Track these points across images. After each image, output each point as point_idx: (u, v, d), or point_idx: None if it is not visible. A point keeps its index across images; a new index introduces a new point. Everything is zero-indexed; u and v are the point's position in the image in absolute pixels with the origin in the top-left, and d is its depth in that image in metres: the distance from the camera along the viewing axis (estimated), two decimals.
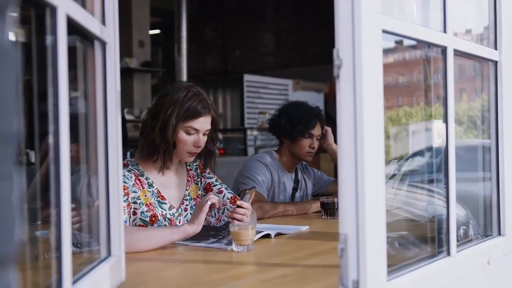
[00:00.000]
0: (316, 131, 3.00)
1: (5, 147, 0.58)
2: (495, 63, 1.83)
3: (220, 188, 2.38)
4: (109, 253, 1.37)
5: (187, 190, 2.33)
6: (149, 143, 2.19)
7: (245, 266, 1.73)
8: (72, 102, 1.15)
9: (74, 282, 1.10)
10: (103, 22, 1.35)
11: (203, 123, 2.18)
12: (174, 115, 2.12)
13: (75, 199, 1.12)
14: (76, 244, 1.40)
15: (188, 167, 2.38)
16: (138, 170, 2.21)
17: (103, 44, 1.34)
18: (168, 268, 1.73)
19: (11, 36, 0.63)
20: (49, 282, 1.05)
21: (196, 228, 1.93)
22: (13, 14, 0.64)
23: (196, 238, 2.04)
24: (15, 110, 0.61)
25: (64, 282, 1.01)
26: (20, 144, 0.62)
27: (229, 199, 2.34)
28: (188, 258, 1.80)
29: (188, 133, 2.17)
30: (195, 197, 2.35)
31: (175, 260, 1.79)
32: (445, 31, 1.53)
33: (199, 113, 2.16)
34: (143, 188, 2.18)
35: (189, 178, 2.36)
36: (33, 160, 2.60)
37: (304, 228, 2.35)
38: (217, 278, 1.56)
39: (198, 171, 2.40)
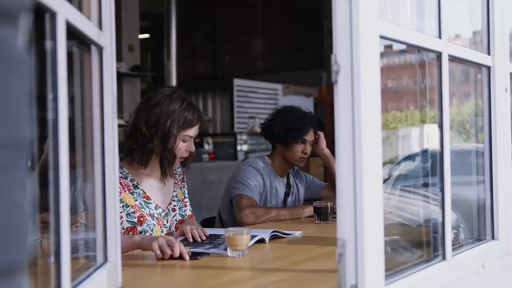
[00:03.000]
0: (309, 136, 3.01)
1: (18, 154, 0.58)
2: (488, 68, 1.84)
3: (187, 202, 2.48)
4: (105, 259, 1.37)
5: (174, 191, 2.40)
6: (148, 152, 2.23)
7: (241, 271, 1.73)
8: (68, 106, 1.14)
9: None
10: (100, 27, 1.34)
11: (196, 130, 2.31)
12: (175, 126, 2.22)
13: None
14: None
15: (173, 170, 2.44)
16: (122, 173, 2.25)
17: (100, 49, 1.34)
18: (164, 274, 1.72)
19: (24, 42, 0.63)
20: None
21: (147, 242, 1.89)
22: (26, 21, 0.64)
23: (192, 245, 2.03)
24: (28, 117, 0.61)
25: None
26: (29, 151, 0.62)
27: (186, 216, 2.42)
28: (184, 263, 1.79)
29: (184, 141, 2.27)
30: (181, 199, 2.43)
31: (171, 265, 1.78)
32: (440, 36, 1.54)
33: (195, 122, 2.28)
34: (125, 191, 2.22)
35: (176, 181, 2.43)
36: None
37: (298, 233, 2.35)
38: (213, 283, 1.56)
39: (180, 177, 2.48)
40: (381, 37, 1.26)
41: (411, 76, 1.96)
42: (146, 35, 9.98)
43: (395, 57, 1.81)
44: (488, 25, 1.85)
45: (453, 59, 1.62)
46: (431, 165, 1.80)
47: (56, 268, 1.01)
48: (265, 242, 2.11)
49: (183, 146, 2.26)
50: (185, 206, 2.45)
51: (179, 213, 2.38)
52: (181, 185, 2.46)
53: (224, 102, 8.33)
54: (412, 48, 1.61)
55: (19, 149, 0.58)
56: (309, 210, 2.83)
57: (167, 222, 2.31)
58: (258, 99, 8.24)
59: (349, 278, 1.17)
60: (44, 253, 1.45)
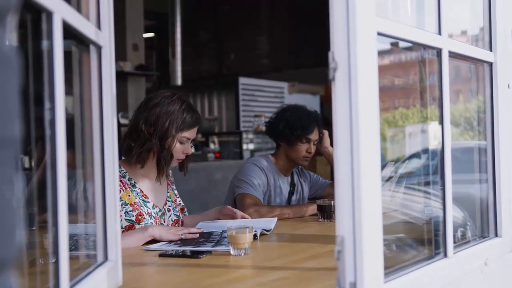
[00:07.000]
0: (314, 136, 3.00)
1: (6, 151, 0.59)
2: (490, 64, 1.83)
3: (180, 200, 2.54)
4: (106, 258, 1.37)
5: (168, 192, 2.46)
6: (146, 151, 2.27)
7: (243, 269, 1.73)
8: (67, 106, 1.15)
9: (71, 287, 1.09)
10: (99, 26, 1.34)
11: (194, 133, 2.35)
12: (173, 126, 2.26)
13: (70, 204, 1.11)
14: (71, 248, 1.39)
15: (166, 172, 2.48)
16: (120, 172, 2.28)
17: (99, 48, 1.34)
18: (165, 273, 1.72)
19: (11, 41, 0.63)
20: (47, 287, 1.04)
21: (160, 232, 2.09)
22: (14, 19, 0.65)
23: (189, 244, 2.02)
24: (17, 114, 0.61)
25: (61, 287, 1.01)
26: (19, 149, 0.62)
27: (172, 221, 2.43)
28: (185, 262, 1.80)
29: (181, 142, 2.31)
30: (174, 200, 2.48)
31: (172, 264, 1.79)
32: (440, 33, 1.53)
33: (193, 124, 2.32)
34: (126, 189, 2.27)
35: (169, 183, 2.49)
36: (26, 165, 2.59)
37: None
38: (215, 281, 1.56)
39: (172, 179, 2.54)
40: (379, 34, 1.25)
41: (417, 74, 1.96)
42: (151, 34, 9.99)
43: (401, 54, 1.81)
44: (490, 21, 1.84)
45: (454, 55, 1.61)
46: (436, 162, 1.80)
47: (55, 267, 1.02)
48: (257, 239, 2.11)
49: (180, 148, 2.31)
50: (177, 206, 2.49)
51: (174, 214, 2.45)
52: (173, 187, 2.53)
53: (229, 101, 8.33)
54: (415, 45, 1.61)
55: (7, 147, 0.59)
56: (312, 208, 2.82)
57: (164, 222, 2.37)
58: (263, 97, 8.24)
59: (348, 275, 1.17)
60: (44, 253, 1.46)
